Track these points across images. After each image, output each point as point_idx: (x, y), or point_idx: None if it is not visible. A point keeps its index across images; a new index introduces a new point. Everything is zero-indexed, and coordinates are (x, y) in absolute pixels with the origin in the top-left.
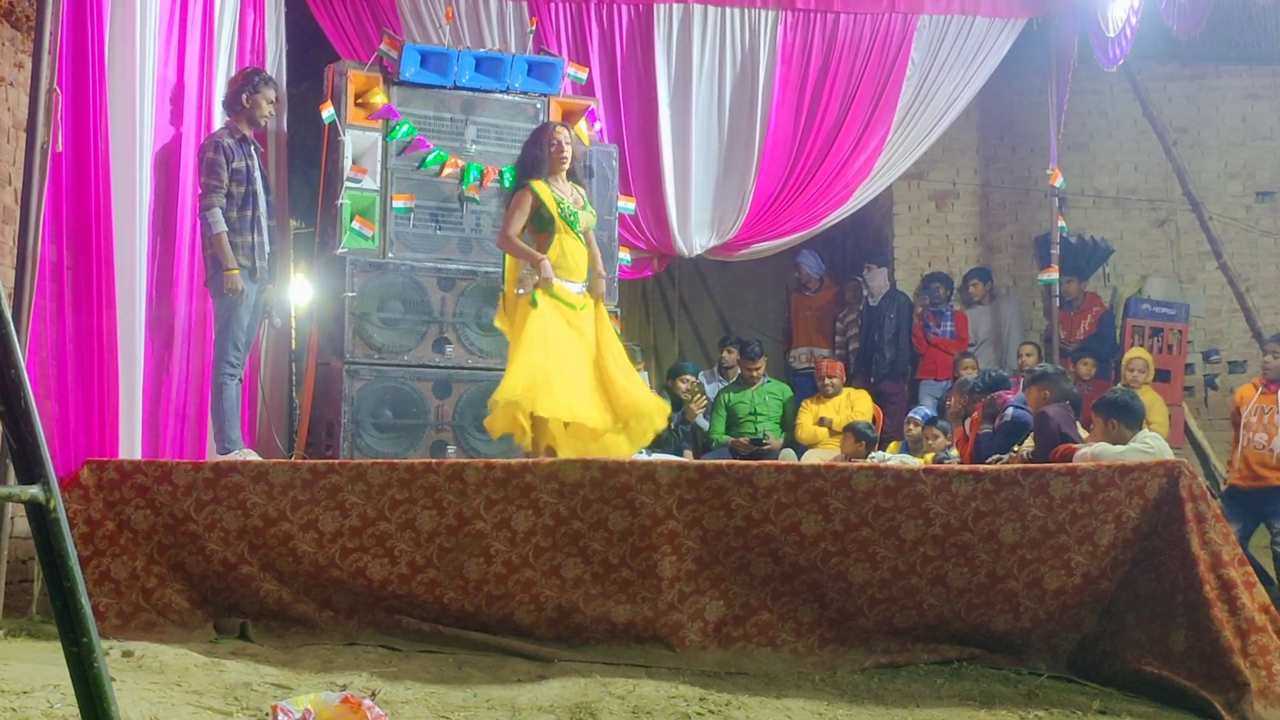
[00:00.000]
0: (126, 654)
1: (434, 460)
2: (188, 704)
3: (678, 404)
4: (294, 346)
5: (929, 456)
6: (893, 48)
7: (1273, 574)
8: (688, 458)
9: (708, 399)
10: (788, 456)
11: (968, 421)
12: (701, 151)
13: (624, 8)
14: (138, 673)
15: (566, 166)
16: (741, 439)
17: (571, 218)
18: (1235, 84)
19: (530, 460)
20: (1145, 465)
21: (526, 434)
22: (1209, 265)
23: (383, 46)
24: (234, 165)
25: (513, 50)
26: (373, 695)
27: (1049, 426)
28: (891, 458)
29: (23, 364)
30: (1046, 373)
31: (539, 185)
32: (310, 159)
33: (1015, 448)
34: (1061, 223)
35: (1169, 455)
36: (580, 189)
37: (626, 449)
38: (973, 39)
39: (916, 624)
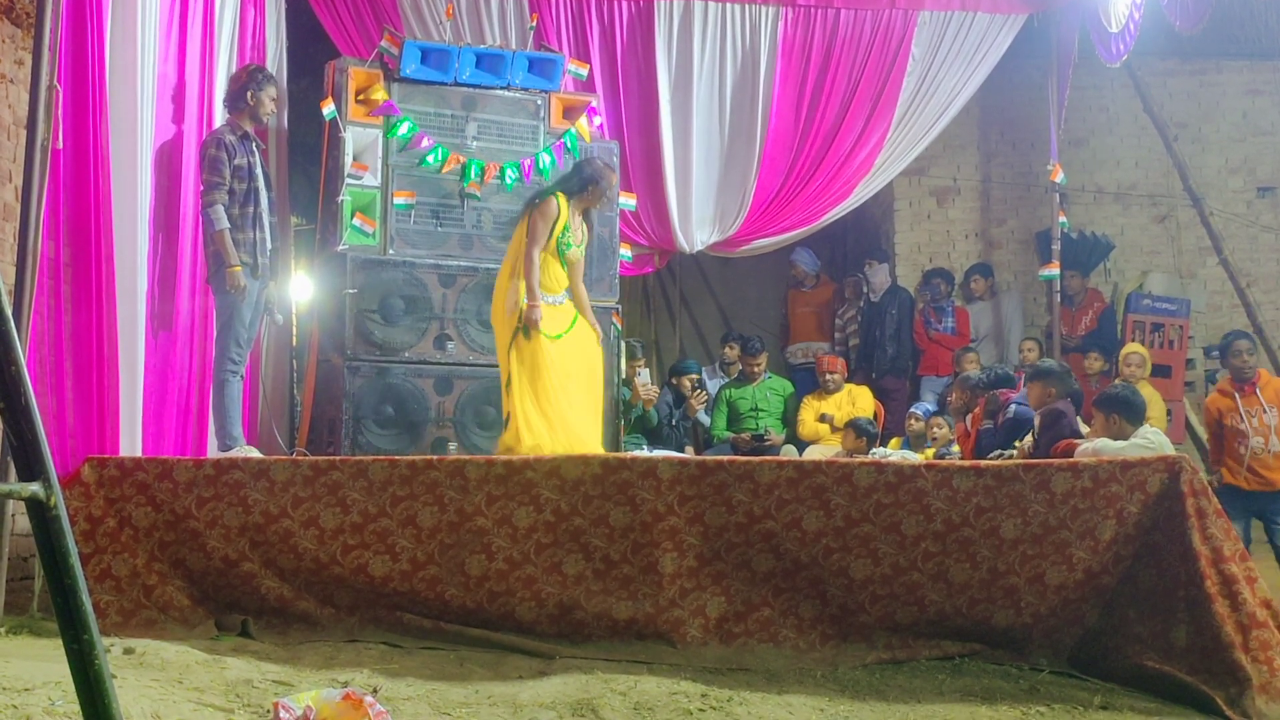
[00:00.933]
0: (128, 651)
1: (435, 457)
2: (189, 701)
3: (680, 400)
4: (295, 343)
5: (930, 451)
6: (893, 43)
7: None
8: (689, 454)
9: (709, 395)
10: (789, 453)
11: (969, 417)
12: (702, 148)
13: (624, 4)
14: (139, 670)
15: (595, 207)
16: (743, 435)
17: (564, 246)
18: (1236, 79)
19: (531, 457)
20: (1146, 461)
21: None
22: (1210, 261)
23: (383, 43)
24: (236, 162)
25: (513, 46)
26: (374, 692)
27: (1062, 423)
28: (893, 454)
29: (23, 361)
30: (1049, 369)
31: (564, 200)
32: (311, 156)
33: (1016, 444)
34: (1062, 218)
35: (1170, 450)
36: (586, 229)
37: None
38: (973, 34)
39: (918, 620)
